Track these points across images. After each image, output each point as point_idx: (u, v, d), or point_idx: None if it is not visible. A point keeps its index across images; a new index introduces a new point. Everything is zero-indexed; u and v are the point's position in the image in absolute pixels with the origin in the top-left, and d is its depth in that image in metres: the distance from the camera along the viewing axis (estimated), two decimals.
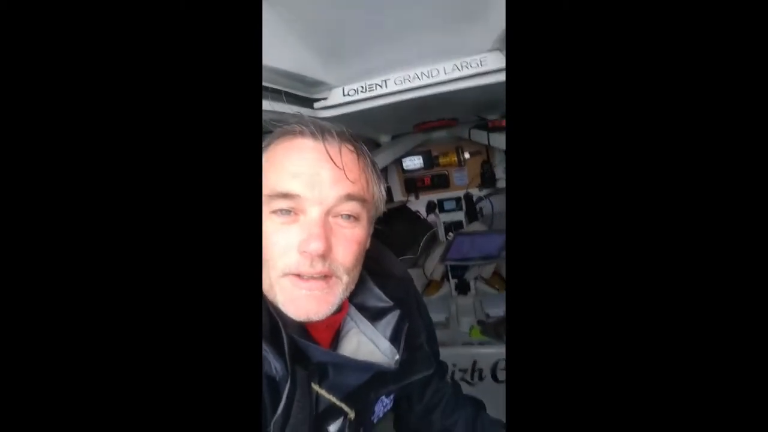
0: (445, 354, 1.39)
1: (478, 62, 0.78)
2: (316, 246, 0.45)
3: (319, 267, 0.46)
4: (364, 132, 1.42)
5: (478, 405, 0.73)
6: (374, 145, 1.56)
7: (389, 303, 0.59)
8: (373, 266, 0.59)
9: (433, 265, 1.68)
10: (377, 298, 0.59)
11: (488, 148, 1.62)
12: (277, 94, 0.74)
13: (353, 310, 0.57)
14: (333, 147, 0.49)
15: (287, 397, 0.44)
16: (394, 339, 0.56)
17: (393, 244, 1.74)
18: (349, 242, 0.49)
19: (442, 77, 0.81)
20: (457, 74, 0.80)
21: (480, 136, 1.39)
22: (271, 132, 0.53)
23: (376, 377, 0.54)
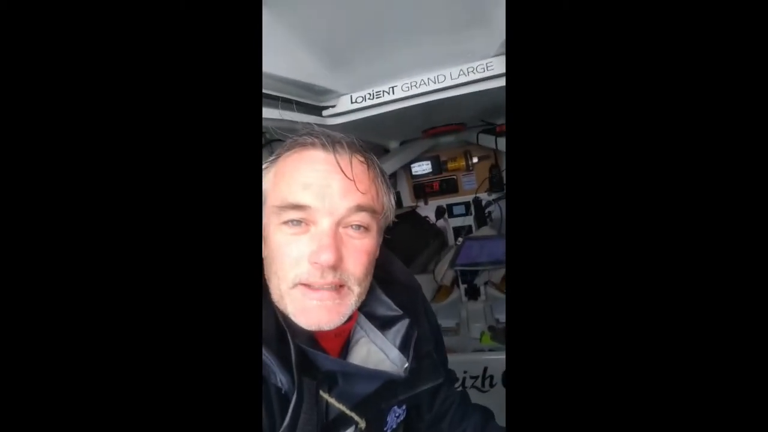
0: (456, 360, 1.39)
1: (483, 67, 0.79)
2: (327, 257, 0.45)
3: (330, 278, 0.46)
4: (372, 138, 1.43)
5: (486, 414, 0.72)
6: (383, 152, 1.56)
7: (398, 312, 0.58)
8: (381, 274, 0.59)
9: (443, 271, 1.67)
10: (386, 306, 0.59)
11: (496, 153, 1.62)
12: (289, 104, 0.75)
13: (363, 319, 0.57)
14: (343, 158, 0.49)
15: (293, 410, 0.44)
16: (403, 348, 0.55)
17: (402, 249, 1.74)
18: (360, 253, 0.49)
19: (449, 82, 0.81)
20: (463, 79, 0.80)
21: (488, 140, 1.39)
22: (280, 141, 0.53)
23: (386, 386, 0.53)
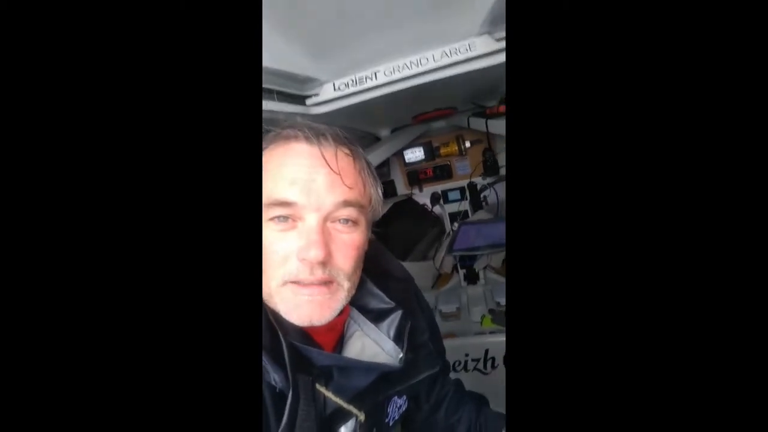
0: (458, 344, 1.40)
1: (466, 47, 0.78)
2: (316, 253, 0.44)
3: (320, 274, 0.46)
4: (362, 127, 1.42)
5: (480, 400, 0.73)
6: (374, 140, 1.55)
7: (391, 304, 0.59)
8: (373, 267, 0.59)
9: (442, 258, 1.68)
10: (379, 299, 0.59)
11: (488, 136, 1.60)
12: (268, 93, 0.74)
13: (356, 313, 0.57)
14: (329, 151, 0.48)
15: (290, 407, 0.44)
16: (397, 339, 0.55)
17: (401, 238, 1.74)
18: (348, 247, 0.49)
19: (432, 65, 0.80)
20: (446, 61, 0.79)
21: (479, 123, 1.38)
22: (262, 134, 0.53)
23: (382, 378, 0.54)
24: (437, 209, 1.85)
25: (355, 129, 1.35)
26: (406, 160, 1.73)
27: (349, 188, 0.48)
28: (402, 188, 1.85)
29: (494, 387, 1.02)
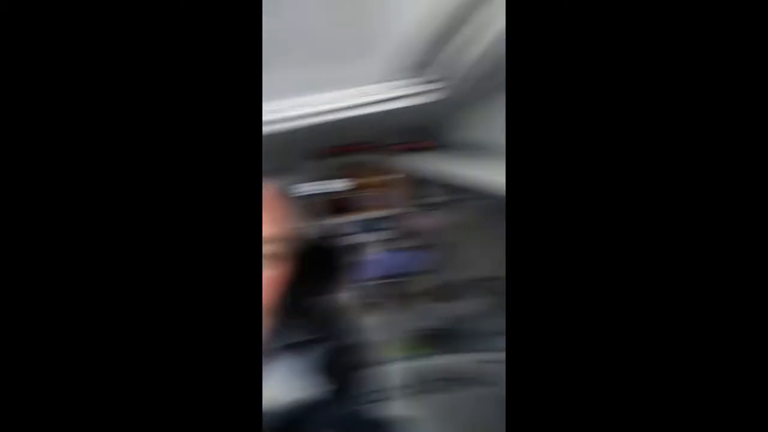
0: (384, 371, 1.39)
1: (391, 88, 0.82)
2: None
3: None
4: (280, 158, 1.39)
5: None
6: (289, 171, 1.55)
7: (313, 336, 0.59)
8: (293, 301, 0.57)
9: (360, 287, 1.69)
10: (302, 332, 0.59)
11: (403, 170, 1.68)
12: None
13: (279, 349, 0.56)
14: None
15: None
16: (322, 371, 0.56)
17: (316, 271, 1.70)
18: (270, 284, 0.48)
19: (355, 102, 0.83)
20: (370, 99, 0.82)
21: (395, 158, 1.44)
22: None
23: (310, 411, 0.54)
24: (352, 240, 1.85)
25: (272, 160, 1.31)
26: (320, 192, 1.73)
27: (271, 223, 0.47)
28: (316, 220, 1.83)
29: (424, 411, 1.04)
